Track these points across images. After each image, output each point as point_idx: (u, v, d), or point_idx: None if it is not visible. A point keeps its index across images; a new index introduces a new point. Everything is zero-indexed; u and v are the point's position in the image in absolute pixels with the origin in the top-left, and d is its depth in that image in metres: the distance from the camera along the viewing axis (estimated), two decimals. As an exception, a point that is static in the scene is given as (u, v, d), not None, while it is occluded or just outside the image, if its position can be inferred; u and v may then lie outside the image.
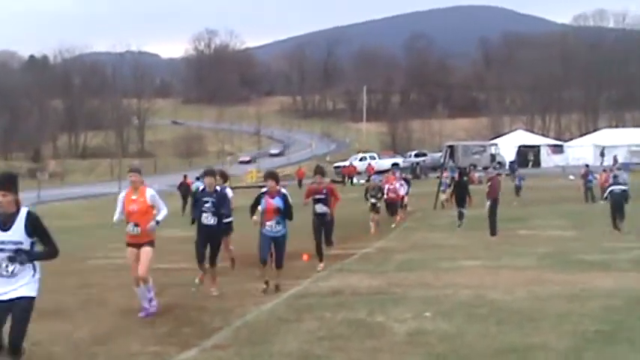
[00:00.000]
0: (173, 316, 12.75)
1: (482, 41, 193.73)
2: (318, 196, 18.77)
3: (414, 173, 79.90)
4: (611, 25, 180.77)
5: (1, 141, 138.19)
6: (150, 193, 12.81)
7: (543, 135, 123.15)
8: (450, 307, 12.64)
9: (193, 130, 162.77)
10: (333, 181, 79.27)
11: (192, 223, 15.43)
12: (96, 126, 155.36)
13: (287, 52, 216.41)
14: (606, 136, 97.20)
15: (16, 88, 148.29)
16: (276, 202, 15.06)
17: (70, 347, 10.49)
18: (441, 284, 15.26)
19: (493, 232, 27.27)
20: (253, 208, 15.25)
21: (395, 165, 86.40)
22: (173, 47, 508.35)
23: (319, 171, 19.60)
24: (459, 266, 18.37)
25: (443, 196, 45.49)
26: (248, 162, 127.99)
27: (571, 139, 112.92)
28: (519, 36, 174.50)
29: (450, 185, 46.35)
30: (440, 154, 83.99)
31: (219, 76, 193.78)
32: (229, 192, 17.22)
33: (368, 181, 44.51)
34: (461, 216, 32.64)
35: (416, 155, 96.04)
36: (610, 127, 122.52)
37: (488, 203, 28.25)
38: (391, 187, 34.78)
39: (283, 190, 15.56)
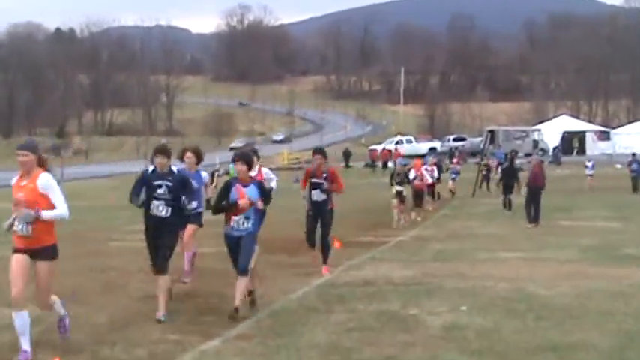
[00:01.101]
0: (194, 303, 12.71)
1: (528, 22, 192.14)
2: (315, 181, 16.31)
3: (451, 158, 79.50)
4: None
5: (24, 115, 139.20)
6: (44, 179, 9.49)
7: (589, 121, 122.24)
8: (486, 300, 12.53)
9: (223, 108, 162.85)
10: (367, 166, 79.56)
11: (140, 206, 12.28)
12: (123, 103, 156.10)
13: (323, 29, 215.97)
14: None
15: (42, 61, 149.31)
16: (250, 192, 11.86)
17: (88, 333, 10.46)
18: (478, 276, 15.14)
19: (531, 221, 27.04)
20: (219, 201, 12.17)
21: (432, 149, 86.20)
22: (204, 22, 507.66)
23: (319, 151, 16.93)
24: (498, 257, 18.24)
25: (451, 184, 44.33)
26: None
27: (619, 126, 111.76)
28: (566, 17, 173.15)
29: (459, 173, 46.38)
30: (480, 138, 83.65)
31: (252, 53, 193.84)
32: (204, 176, 15.53)
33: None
34: (506, 204, 32.51)
35: (454, 140, 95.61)
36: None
37: (524, 190, 28.30)
38: (417, 173, 30.59)
39: (266, 171, 15.08)
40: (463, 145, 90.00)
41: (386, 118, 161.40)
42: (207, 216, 13.91)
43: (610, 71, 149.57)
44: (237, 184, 12.01)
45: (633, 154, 49.46)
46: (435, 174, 35.80)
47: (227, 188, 12.07)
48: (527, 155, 64.40)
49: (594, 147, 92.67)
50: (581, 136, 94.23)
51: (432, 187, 34.80)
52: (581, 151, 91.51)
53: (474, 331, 10.39)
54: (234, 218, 11.92)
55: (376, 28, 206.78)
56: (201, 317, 11.63)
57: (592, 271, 15.75)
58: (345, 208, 23.87)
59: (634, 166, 47.01)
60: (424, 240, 22.50)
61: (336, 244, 19.85)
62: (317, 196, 16.23)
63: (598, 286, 13.79)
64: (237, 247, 11.93)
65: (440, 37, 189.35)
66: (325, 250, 16.42)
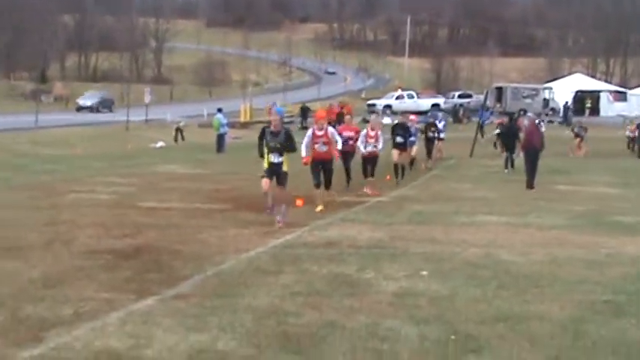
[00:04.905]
0: (141, 260, 12.66)
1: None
2: None
3: (455, 116, 79.26)
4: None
5: (3, 58, 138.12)
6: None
7: (606, 81, 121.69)
8: (451, 266, 12.52)
9: (216, 56, 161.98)
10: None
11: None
12: (109, 47, 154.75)
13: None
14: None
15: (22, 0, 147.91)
16: None
17: (16, 289, 10.40)
18: (450, 240, 15.11)
19: (529, 185, 27.00)
20: None
21: (435, 105, 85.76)
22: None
23: None
24: (478, 222, 18.14)
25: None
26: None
27: (637, 87, 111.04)
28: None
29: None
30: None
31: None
32: None
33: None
34: (507, 163, 32.85)
35: (459, 96, 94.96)
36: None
37: (520, 153, 28.43)
38: (319, 131, 19.77)
39: None
40: (469, 102, 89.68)
41: (389, 71, 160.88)
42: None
43: (631, 27, 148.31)
44: None
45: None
46: (380, 145, 24.71)
47: None
48: (538, 115, 64.54)
49: (610, 108, 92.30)
50: (595, 95, 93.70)
51: (369, 158, 24.62)
52: (595, 111, 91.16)
53: (427, 298, 10.38)
54: None
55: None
56: (144, 275, 11.55)
57: (574, 239, 15.68)
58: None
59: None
60: (404, 201, 22.38)
61: (298, 202, 19.76)
62: None
63: (576, 255, 13.75)
64: None
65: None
66: None
